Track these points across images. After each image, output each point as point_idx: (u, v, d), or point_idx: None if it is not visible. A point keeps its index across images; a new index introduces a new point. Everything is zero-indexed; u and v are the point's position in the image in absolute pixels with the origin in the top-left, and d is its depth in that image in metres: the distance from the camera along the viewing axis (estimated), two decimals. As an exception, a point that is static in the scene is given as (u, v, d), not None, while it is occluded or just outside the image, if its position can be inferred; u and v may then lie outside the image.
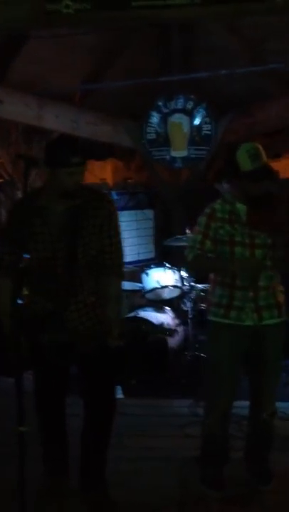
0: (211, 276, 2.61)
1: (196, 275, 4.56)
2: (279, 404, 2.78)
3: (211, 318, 2.57)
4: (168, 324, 4.37)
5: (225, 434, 2.66)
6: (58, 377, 2.46)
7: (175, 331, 4.26)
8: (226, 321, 2.49)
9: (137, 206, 6.26)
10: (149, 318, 4.24)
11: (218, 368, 2.55)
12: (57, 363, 2.35)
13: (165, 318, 4.42)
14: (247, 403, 2.71)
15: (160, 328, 4.10)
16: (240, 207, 2.44)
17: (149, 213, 6.39)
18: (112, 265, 2.33)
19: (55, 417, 2.57)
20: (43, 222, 2.25)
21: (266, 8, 2.87)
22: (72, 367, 2.50)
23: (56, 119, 5.12)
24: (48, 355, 2.27)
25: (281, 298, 2.52)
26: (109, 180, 9.31)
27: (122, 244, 2.38)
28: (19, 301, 2.36)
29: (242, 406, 2.76)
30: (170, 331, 4.26)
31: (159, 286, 4.53)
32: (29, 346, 2.27)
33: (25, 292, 2.44)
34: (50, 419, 2.56)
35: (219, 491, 2.63)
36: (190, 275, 4.56)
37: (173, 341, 4.31)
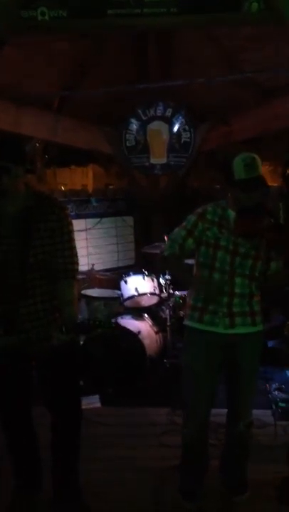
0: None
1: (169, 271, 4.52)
2: (256, 412, 2.79)
3: (187, 323, 2.57)
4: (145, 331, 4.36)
5: (204, 443, 2.65)
6: (18, 385, 2.43)
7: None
8: (201, 327, 2.49)
9: (116, 213, 6.26)
10: (127, 326, 4.21)
11: (193, 376, 2.54)
12: (10, 369, 2.32)
13: (143, 325, 4.40)
14: (224, 411, 2.70)
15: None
16: (231, 213, 2.44)
17: (129, 220, 6.39)
18: (64, 269, 2.34)
19: (19, 427, 2.54)
20: None
21: (241, 18, 2.89)
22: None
23: (34, 126, 5.09)
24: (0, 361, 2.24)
25: (257, 307, 2.51)
26: (90, 187, 9.29)
27: (76, 249, 2.40)
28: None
29: (219, 414, 2.75)
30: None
31: (137, 294, 4.52)
32: None
33: None
34: (15, 429, 2.53)
35: (195, 502, 2.62)
36: (161, 269, 4.52)
37: (151, 349, 4.29)
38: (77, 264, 2.40)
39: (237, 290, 2.44)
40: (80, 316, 4.32)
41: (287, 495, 2.59)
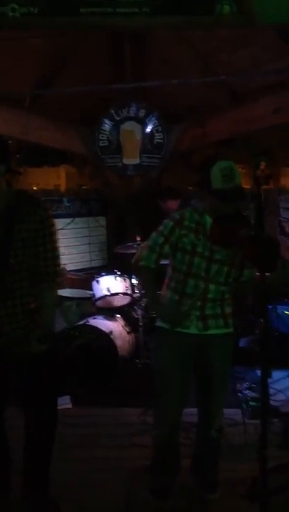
0: (166, 281, 2.62)
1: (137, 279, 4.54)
2: (227, 411, 2.81)
3: (159, 324, 2.58)
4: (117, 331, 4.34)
5: (175, 444, 2.65)
6: None
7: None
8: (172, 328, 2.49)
9: (89, 213, 6.23)
10: (99, 326, 4.20)
11: (164, 376, 2.54)
12: None
13: (115, 325, 4.39)
14: (195, 410, 2.71)
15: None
16: (208, 220, 2.43)
17: (102, 220, 6.37)
18: (46, 273, 2.31)
19: None
20: None
21: (213, 20, 2.91)
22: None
23: (5, 124, 5.02)
24: None
25: (229, 309, 2.53)
26: (63, 187, 9.22)
27: (60, 252, 2.37)
28: None
29: (190, 413, 2.76)
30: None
31: (109, 294, 4.50)
32: None
33: None
34: None
35: (167, 501, 2.62)
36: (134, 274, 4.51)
37: (123, 349, 4.28)
38: (60, 266, 2.37)
39: (210, 295, 2.46)
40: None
41: (257, 493, 2.61)
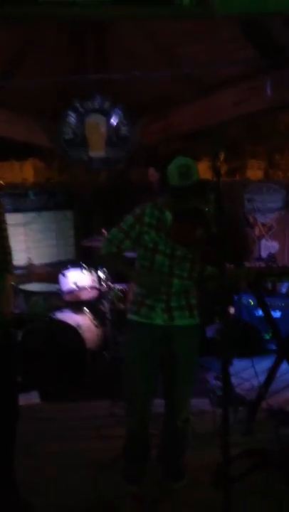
0: None
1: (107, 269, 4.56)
2: (194, 401, 2.84)
3: (128, 316, 2.59)
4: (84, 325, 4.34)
5: (145, 434, 2.66)
6: None
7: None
8: (138, 320, 2.51)
9: (55, 207, 6.17)
10: (66, 320, 4.18)
11: (131, 367, 2.56)
12: None
13: (83, 319, 4.38)
14: (163, 401, 2.71)
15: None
16: (168, 216, 2.44)
17: (69, 214, 6.32)
18: None
19: None
20: None
21: (173, 12, 2.91)
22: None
23: None
24: None
25: (194, 301, 2.56)
26: (31, 181, 9.11)
27: (9, 241, 2.41)
28: None
29: (159, 404, 2.77)
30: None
31: (76, 288, 4.48)
32: None
33: None
34: None
35: (137, 485, 2.64)
36: (100, 267, 4.55)
37: (91, 342, 4.28)
38: (10, 255, 2.39)
39: (174, 289, 2.48)
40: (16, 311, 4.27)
41: (221, 480, 2.65)
